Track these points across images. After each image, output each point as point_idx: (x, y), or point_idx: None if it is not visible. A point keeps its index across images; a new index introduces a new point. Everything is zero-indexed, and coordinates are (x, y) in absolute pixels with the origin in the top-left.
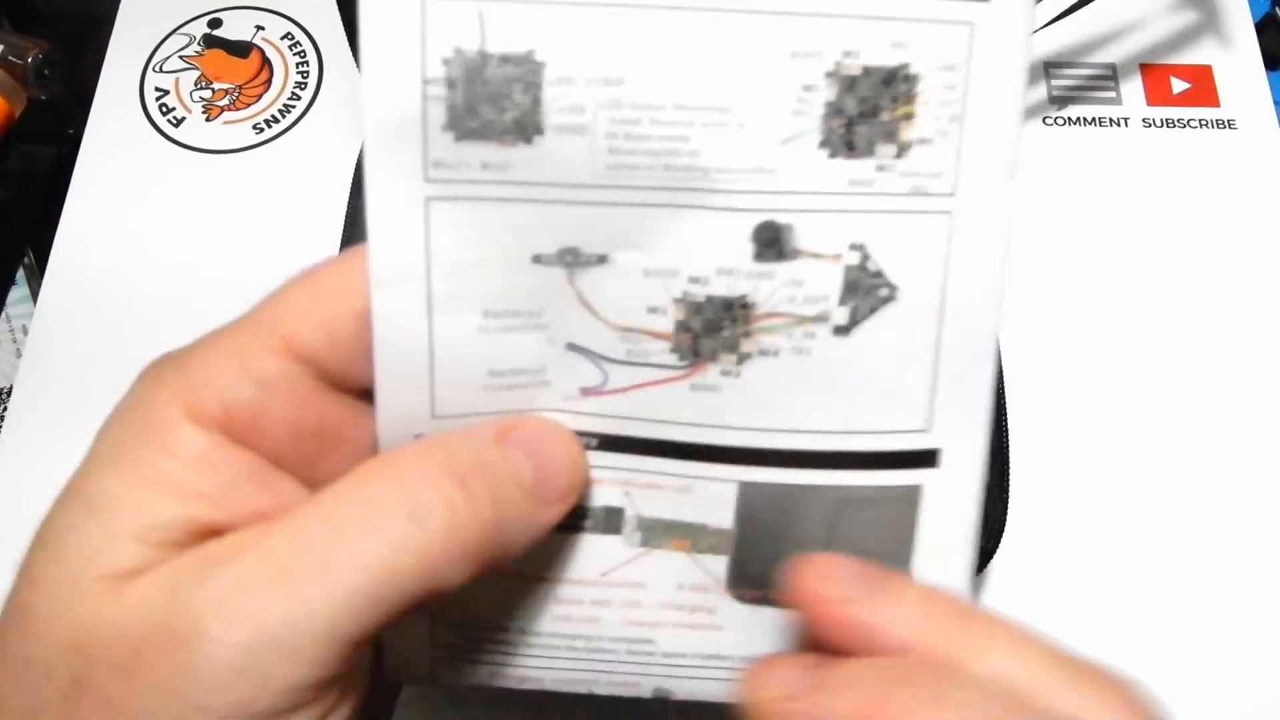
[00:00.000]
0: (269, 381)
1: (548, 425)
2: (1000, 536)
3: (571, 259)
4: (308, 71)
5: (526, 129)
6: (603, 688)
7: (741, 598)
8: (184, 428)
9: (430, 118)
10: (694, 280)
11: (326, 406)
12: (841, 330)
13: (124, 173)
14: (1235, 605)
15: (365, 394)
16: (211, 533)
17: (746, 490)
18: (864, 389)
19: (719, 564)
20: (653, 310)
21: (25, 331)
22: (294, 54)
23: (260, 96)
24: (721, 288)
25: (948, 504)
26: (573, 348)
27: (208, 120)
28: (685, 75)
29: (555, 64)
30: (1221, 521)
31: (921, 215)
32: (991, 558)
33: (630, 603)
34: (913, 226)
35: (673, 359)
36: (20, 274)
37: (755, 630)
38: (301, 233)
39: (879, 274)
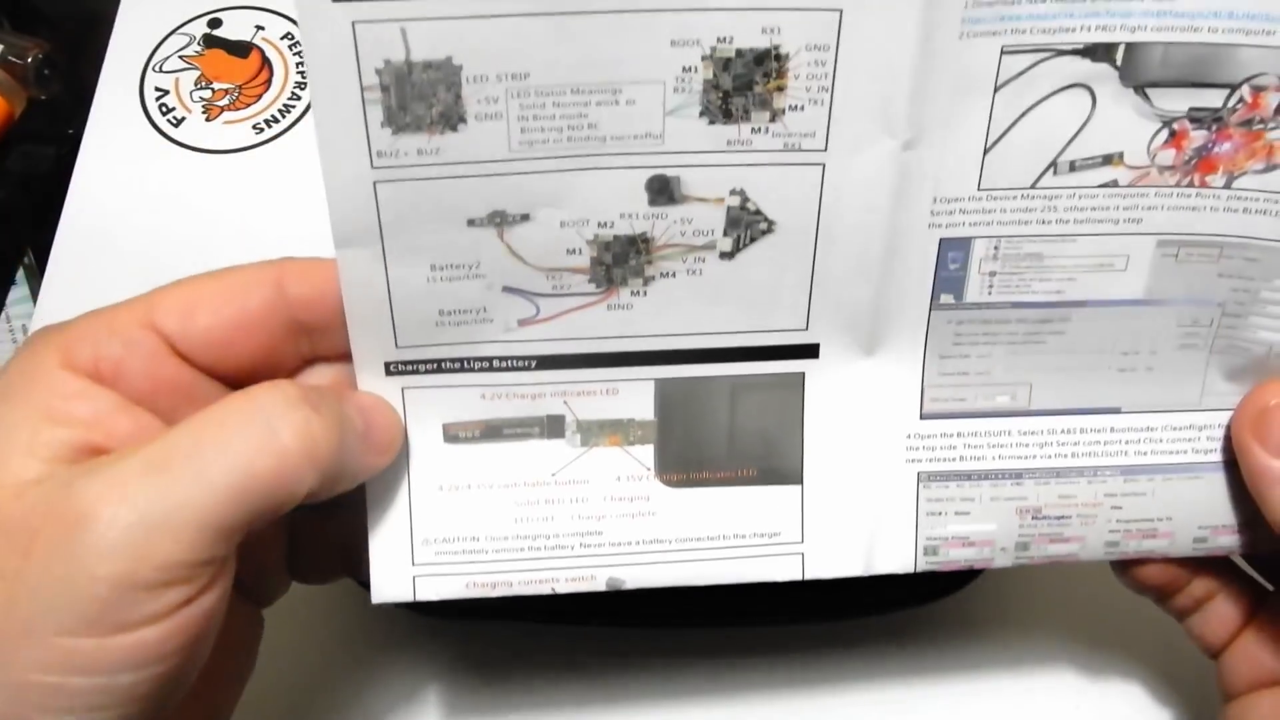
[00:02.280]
0: (132, 342)
1: (375, 398)
2: None
3: (500, 220)
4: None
5: (451, 119)
6: (563, 585)
7: (669, 482)
8: (60, 373)
9: (370, 118)
10: (602, 225)
11: (180, 372)
12: (727, 255)
13: (124, 173)
14: None
15: (212, 373)
16: (95, 451)
17: (662, 385)
18: (750, 298)
19: (647, 453)
20: (571, 252)
21: (25, 331)
22: (294, 54)
23: (260, 96)
24: (625, 228)
25: (829, 387)
26: (508, 289)
27: (208, 120)
28: (580, 67)
29: (471, 66)
30: None
31: (796, 167)
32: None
33: (578, 499)
34: (788, 175)
35: (590, 287)
36: (20, 274)
37: (684, 510)
38: (301, 232)
39: (758, 212)
